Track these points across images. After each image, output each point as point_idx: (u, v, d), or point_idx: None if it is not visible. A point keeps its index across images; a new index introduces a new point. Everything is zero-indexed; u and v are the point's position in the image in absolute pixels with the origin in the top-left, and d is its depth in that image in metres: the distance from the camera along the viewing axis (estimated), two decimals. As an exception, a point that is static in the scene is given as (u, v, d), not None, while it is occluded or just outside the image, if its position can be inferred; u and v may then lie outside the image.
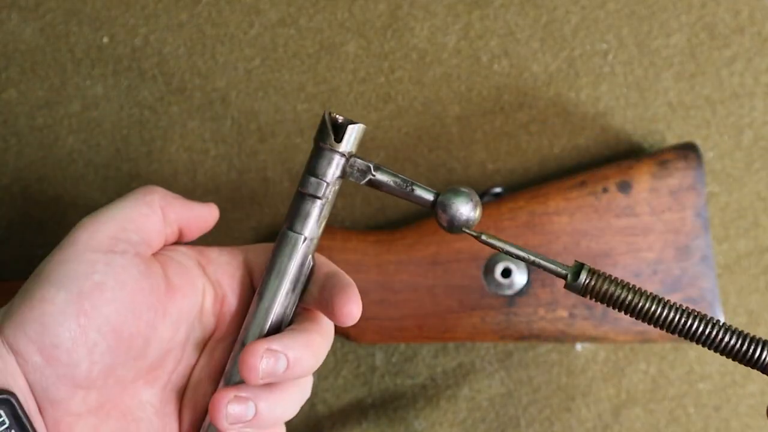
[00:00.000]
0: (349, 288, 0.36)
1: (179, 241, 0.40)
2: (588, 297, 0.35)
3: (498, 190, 0.51)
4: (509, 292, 0.49)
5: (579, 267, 0.35)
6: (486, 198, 0.51)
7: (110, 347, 0.34)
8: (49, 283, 0.33)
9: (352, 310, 0.35)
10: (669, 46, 0.55)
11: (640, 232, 0.49)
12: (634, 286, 0.35)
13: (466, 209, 0.35)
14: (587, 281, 0.34)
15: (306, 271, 0.37)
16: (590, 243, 0.49)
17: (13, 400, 0.31)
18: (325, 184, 0.36)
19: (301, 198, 0.36)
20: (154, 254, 0.37)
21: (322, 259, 0.38)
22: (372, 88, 0.55)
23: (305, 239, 0.36)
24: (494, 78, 0.55)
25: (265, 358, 0.34)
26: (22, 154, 0.55)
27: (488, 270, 0.49)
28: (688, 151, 0.49)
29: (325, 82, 0.55)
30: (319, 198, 0.36)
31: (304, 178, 0.36)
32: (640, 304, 0.34)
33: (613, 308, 0.35)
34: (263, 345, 0.34)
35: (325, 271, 0.37)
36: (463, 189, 0.35)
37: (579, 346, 0.53)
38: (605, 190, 0.49)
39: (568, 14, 0.55)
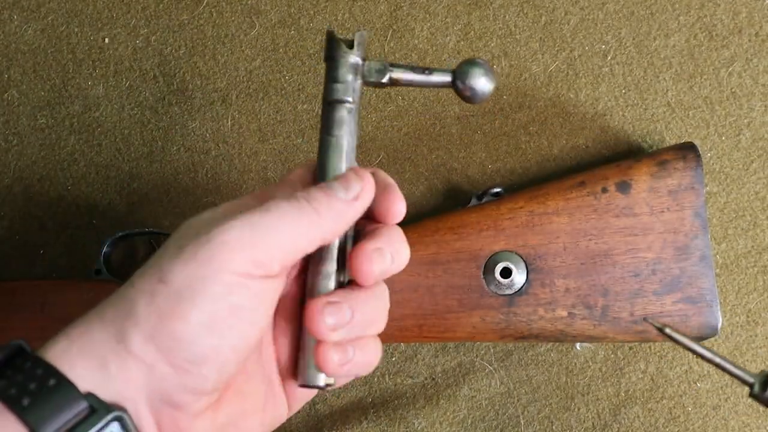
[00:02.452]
0: (390, 187, 0.36)
1: None
2: None
3: (498, 190, 0.51)
4: (509, 291, 0.49)
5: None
6: (486, 198, 0.51)
7: (242, 359, 0.33)
8: (182, 299, 0.31)
9: (397, 207, 0.36)
10: (668, 46, 0.55)
11: (639, 231, 0.49)
12: None
13: (483, 78, 0.36)
14: None
15: None
16: (589, 243, 0.49)
17: (125, 416, 0.31)
18: (350, 87, 0.36)
19: (330, 107, 0.37)
20: None
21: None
22: (372, 89, 0.55)
23: (346, 139, 0.37)
24: (494, 78, 0.55)
25: (327, 313, 0.34)
26: (24, 154, 0.55)
27: (488, 270, 0.49)
28: (687, 151, 0.49)
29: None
30: (348, 101, 0.36)
31: (329, 87, 0.37)
32: None
33: None
34: (323, 299, 0.34)
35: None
36: (477, 60, 0.37)
37: (578, 346, 0.53)
38: (604, 190, 0.49)
39: (568, 15, 0.55)
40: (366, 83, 0.37)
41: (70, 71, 0.56)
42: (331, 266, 0.36)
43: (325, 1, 0.56)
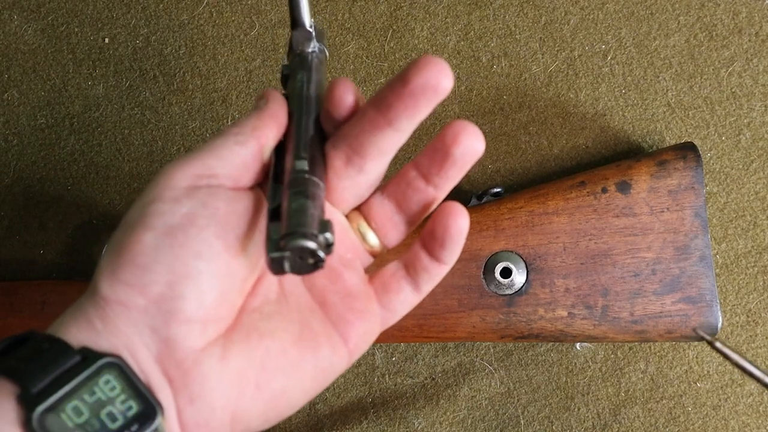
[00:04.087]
0: (339, 78, 0.34)
1: None
2: None
3: (498, 190, 0.51)
4: (509, 291, 0.49)
5: None
6: (486, 198, 0.51)
7: (218, 272, 0.31)
8: (133, 227, 0.31)
9: (337, 92, 0.33)
10: (668, 46, 0.55)
11: (639, 231, 0.49)
12: None
13: None
14: None
15: (305, 99, 0.35)
16: (589, 243, 0.49)
17: (119, 362, 0.30)
18: (282, 66, 0.37)
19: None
20: None
21: None
22: (372, 89, 0.55)
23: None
24: (494, 78, 0.55)
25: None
26: (24, 154, 0.55)
27: (488, 270, 0.49)
28: (686, 151, 0.49)
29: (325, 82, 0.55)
30: (284, 74, 0.37)
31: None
32: None
33: None
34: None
35: None
36: None
37: (578, 346, 0.53)
38: (604, 190, 0.49)
39: (568, 15, 0.55)
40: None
41: (70, 71, 0.56)
42: (288, 154, 0.34)
43: (325, 1, 0.56)
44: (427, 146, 0.34)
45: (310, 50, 0.36)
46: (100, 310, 0.31)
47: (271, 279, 0.35)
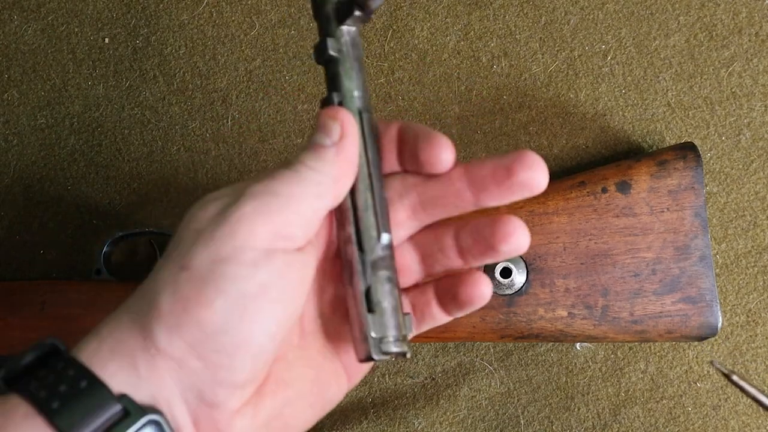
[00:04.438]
0: (430, 132, 0.33)
1: None
2: None
3: (498, 190, 0.51)
4: (509, 291, 0.49)
5: None
6: (486, 198, 0.51)
7: (276, 343, 0.31)
8: (205, 285, 0.29)
9: (441, 153, 0.33)
10: (668, 46, 0.55)
11: (639, 231, 0.49)
12: None
13: None
14: None
15: (367, 128, 0.34)
16: (589, 243, 0.49)
17: (161, 420, 0.29)
18: (329, 39, 0.35)
19: (325, 69, 0.35)
20: None
21: (391, 123, 0.35)
22: (372, 89, 0.55)
23: (340, 96, 0.34)
24: (494, 78, 0.55)
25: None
26: (24, 154, 0.55)
27: (488, 270, 0.49)
28: (686, 151, 0.49)
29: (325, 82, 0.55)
30: (332, 55, 0.34)
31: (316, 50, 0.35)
32: None
33: None
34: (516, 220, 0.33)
35: (398, 126, 0.34)
36: None
37: (578, 346, 0.53)
38: (604, 190, 0.49)
39: (568, 15, 0.56)
40: (343, 23, 0.35)
41: (70, 71, 0.56)
42: (368, 214, 0.33)
43: (325, 1, 0.56)
44: (473, 224, 0.34)
45: (354, 30, 0.35)
46: (149, 358, 0.29)
47: (297, 324, 0.35)
